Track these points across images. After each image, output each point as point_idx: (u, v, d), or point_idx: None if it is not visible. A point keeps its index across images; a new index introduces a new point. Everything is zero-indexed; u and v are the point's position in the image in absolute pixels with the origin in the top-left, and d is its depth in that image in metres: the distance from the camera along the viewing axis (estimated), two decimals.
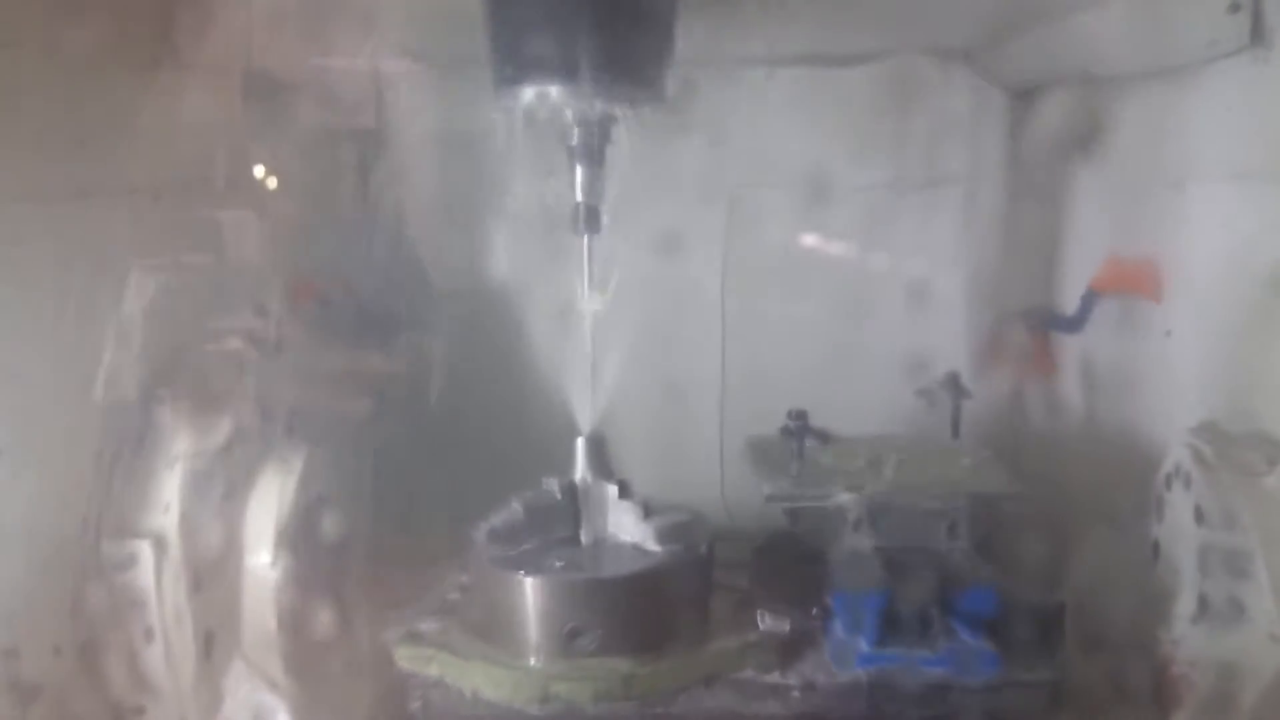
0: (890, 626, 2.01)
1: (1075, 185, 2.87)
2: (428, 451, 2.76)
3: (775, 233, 3.22)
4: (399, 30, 2.61)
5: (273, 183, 2.57)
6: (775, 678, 2.02)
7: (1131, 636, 2.11)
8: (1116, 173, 2.64)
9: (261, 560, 2.16)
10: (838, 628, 2.07)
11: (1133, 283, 2.50)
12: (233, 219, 2.39)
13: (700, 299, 3.25)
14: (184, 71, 2.26)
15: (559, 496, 2.18)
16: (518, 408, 2.78)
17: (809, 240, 3.21)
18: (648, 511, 2.11)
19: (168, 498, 2.02)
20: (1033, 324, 3.09)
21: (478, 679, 1.98)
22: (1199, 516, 1.93)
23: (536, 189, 2.19)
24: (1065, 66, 2.79)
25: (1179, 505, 2.03)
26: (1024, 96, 3.15)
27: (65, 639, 1.92)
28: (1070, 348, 2.86)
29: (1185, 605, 1.98)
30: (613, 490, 2.14)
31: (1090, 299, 2.66)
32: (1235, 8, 2.03)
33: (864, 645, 1.99)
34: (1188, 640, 1.94)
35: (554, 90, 2.00)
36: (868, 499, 2.22)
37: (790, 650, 2.07)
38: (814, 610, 2.14)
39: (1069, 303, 2.80)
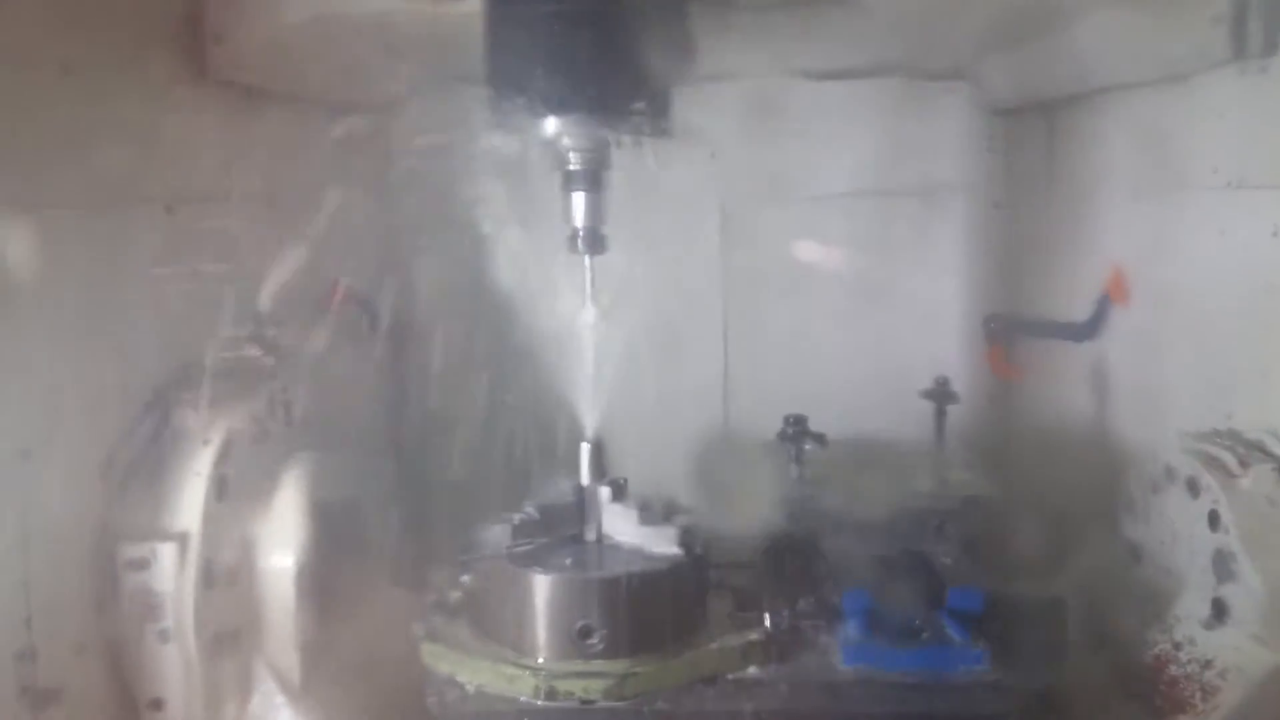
0: (881, 625, 1.99)
1: (1068, 195, 2.86)
2: (438, 456, 2.75)
3: (773, 242, 3.21)
4: (415, 50, 2.59)
5: (287, 195, 2.55)
6: (770, 675, 2.00)
7: (1119, 637, 2.10)
8: (1110, 182, 2.63)
9: (279, 562, 2.14)
10: (831, 627, 2.06)
11: None
12: (248, 229, 2.38)
13: (702, 307, 3.24)
14: (200, 87, 2.24)
15: (563, 499, 2.16)
16: (525, 414, 2.77)
17: (808, 249, 3.20)
18: (644, 513, 2.09)
19: (186, 500, 2.00)
20: (995, 330, 3.09)
21: (485, 675, 1.96)
22: (1213, 523, 1.91)
23: (543, 204, 2.17)
24: (1056, 80, 2.78)
25: (1177, 509, 2.01)
26: (1016, 109, 3.13)
27: (87, 640, 1.90)
28: (1057, 355, 2.85)
29: (1188, 608, 1.96)
30: (611, 493, 2.13)
31: (1104, 305, 2.62)
32: (1217, 20, 2.01)
33: (855, 643, 1.97)
34: (1199, 644, 1.91)
35: (553, 120, 1.97)
36: (861, 501, 2.22)
37: (786, 649, 2.06)
38: (808, 610, 2.13)
39: (1065, 311, 2.78)
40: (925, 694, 1.91)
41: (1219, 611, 1.87)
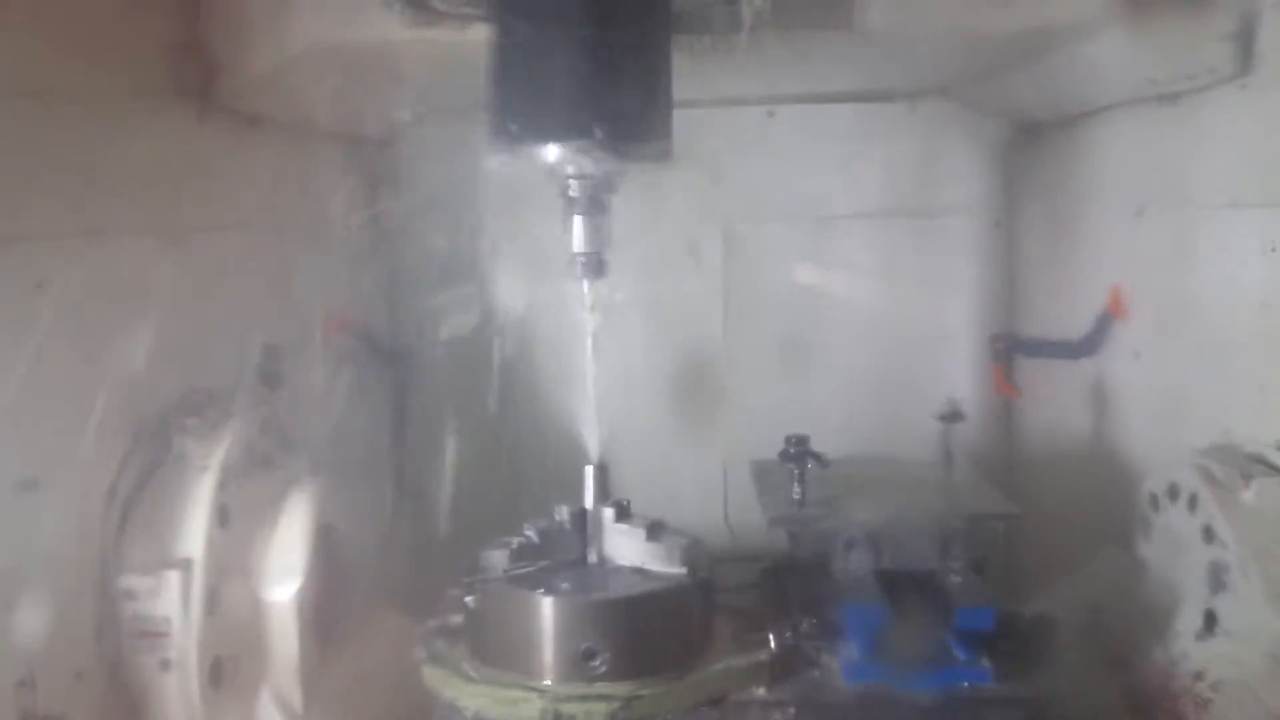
0: (886, 644, 1.98)
1: (1071, 213, 2.86)
2: (439, 480, 2.74)
3: (777, 263, 3.22)
4: (417, 78, 2.61)
5: (289, 224, 2.56)
6: (774, 695, 1.98)
7: (1124, 652, 2.08)
8: (1111, 200, 2.62)
9: (281, 589, 2.12)
10: (835, 646, 2.04)
11: None
12: (250, 258, 2.39)
13: (704, 330, 3.24)
14: (201, 115, 2.25)
15: (566, 521, 2.15)
16: (526, 438, 2.77)
17: (810, 270, 3.21)
18: (649, 534, 2.08)
19: (189, 528, 1.98)
20: (1000, 349, 3.09)
21: (487, 700, 1.95)
22: (1207, 536, 1.90)
23: (543, 228, 2.17)
24: (1058, 100, 2.78)
25: (1178, 524, 1.99)
26: (1020, 129, 3.14)
27: (87, 668, 1.88)
28: (1062, 373, 2.84)
29: (1187, 622, 1.94)
30: (614, 514, 2.11)
31: (1105, 322, 2.62)
32: (1226, 37, 2.02)
33: (860, 663, 1.96)
34: (1193, 657, 1.90)
35: (554, 149, 1.97)
36: (865, 520, 2.21)
37: (790, 668, 2.04)
38: (811, 629, 2.12)
39: (1068, 329, 2.77)
40: (931, 712, 1.90)
41: (1209, 623, 1.86)
